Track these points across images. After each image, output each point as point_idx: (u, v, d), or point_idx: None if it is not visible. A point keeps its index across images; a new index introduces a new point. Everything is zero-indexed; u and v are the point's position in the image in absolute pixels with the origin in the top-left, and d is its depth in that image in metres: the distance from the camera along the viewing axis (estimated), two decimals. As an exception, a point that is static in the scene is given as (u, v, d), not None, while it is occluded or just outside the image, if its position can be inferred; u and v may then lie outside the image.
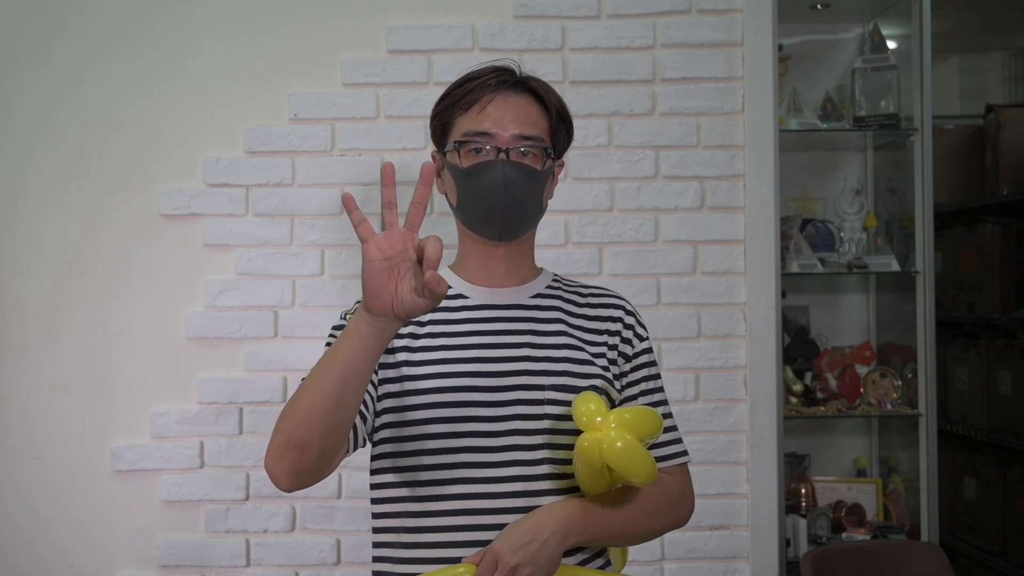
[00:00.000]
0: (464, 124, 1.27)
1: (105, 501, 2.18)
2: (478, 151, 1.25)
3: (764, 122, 2.24)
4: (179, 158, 2.21)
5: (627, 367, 1.32)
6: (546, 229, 2.21)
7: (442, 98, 1.31)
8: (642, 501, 1.23)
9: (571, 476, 1.21)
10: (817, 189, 2.73)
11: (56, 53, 2.21)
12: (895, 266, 2.55)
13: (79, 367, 2.19)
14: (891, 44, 2.64)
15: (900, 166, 2.63)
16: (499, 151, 1.24)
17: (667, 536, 2.21)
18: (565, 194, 2.20)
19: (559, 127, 1.32)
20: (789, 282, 2.57)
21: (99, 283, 2.20)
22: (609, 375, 1.29)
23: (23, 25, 2.22)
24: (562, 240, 2.23)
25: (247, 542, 2.19)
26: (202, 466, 2.19)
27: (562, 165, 1.37)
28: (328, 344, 1.28)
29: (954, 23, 3.68)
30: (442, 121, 1.31)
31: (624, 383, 1.31)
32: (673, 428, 1.33)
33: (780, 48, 2.40)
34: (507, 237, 1.29)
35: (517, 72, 1.30)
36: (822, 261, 2.57)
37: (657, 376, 1.35)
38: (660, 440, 1.27)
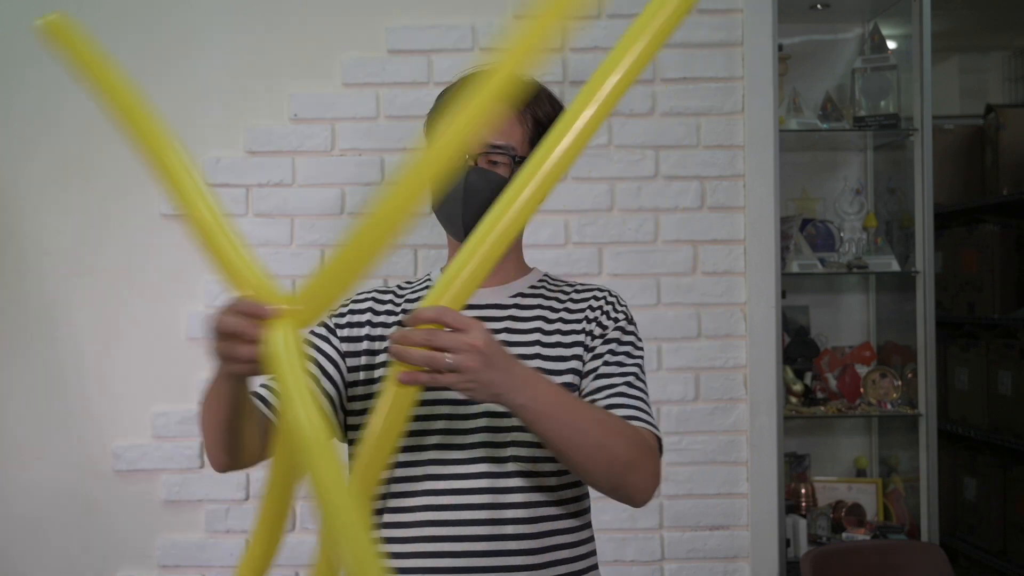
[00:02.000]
0: None
1: (105, 501, 2.18)
2: None
3: (764, 122, 2.24)
4: (179, 158, 2.21)
5: (597, 342, 1.27)
6: (546, 229, 2.21)
7: (438, 98, 1.32)
8: (606, 415, 1.17)
9: (540, 474, 1.21)
10: (817, 189, 2.73)
11: (56, 53, 2.21)
12: (895, 266, 2.55)
13: (79, 367, 2.19)
14: (891, 44, 2.64)
15: (900, 166, 2.63)
16: (466, 158, 1.25)
17: (667, 536, 2.21)
18: (565, 194, 2.20)
19: (539, 132, 1.30)
20: (789, 282, 2.56)
21: (99, 283, 2.20)
22: (582, 367, 1.26)
23: (23, 25, 2.22)
24: (562, 240, 2.23)
25: (247, 542, 2.19)
26: (202, 466, 2.19)
27: None
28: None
29: (954, 23, 3.68)
30: (431, 124, 1.32)
31: (590, 356, 1.26)
32: (639, 399, 1.24)
33: (780, 48, 2.40)
34: None
35: None
36: (822, 261, 2.57)
37: (629, 351, 1.27)
38: (623, 402, 1.21)
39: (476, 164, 1.26)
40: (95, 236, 2.20)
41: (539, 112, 1.31)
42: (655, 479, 1.20)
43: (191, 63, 2.22)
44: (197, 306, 2.21)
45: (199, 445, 2.19)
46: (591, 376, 1.25)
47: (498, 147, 1.26)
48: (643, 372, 1.29)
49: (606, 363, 1.26)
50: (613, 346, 1.27)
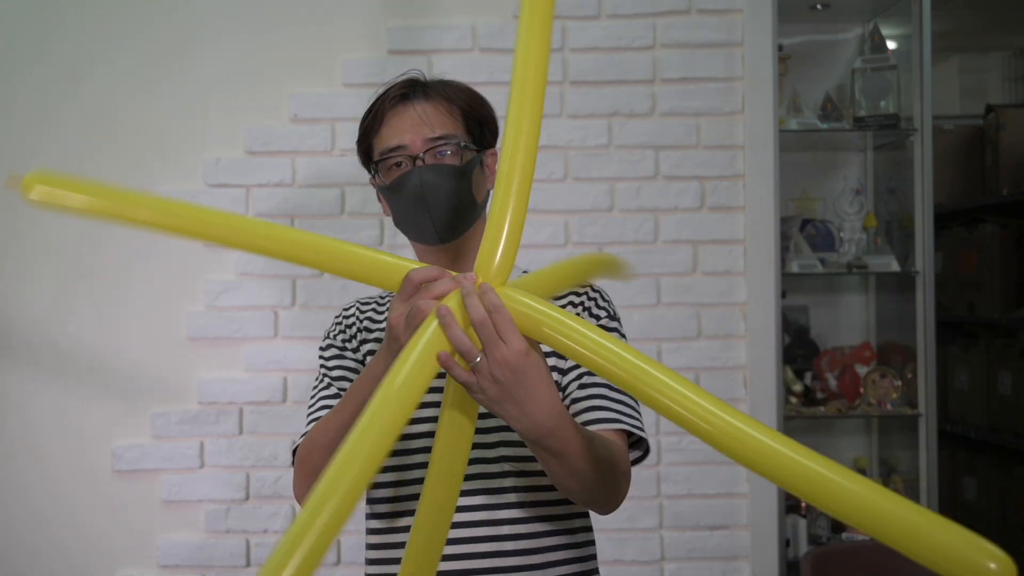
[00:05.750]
0: (378, 144, 1.28)
1: (105, 501, 2.18)
2: (397, 164, 1.25)
3: (764, 122, 2.24)
4: (179, 158, 2.21)
5: None
6: (546, 229, 2.21)
7: (360, 124, 1.31)
8: (586, 436, 1.13)
9: (532, 474, 1.20)
10: (817, 189, 2.73)
11: (56, 53, 2.21)
12: (895, 266, 2.55)
13: (79, 367, 2.19)
14: (891, 44, 2.64)
15: (900, 166, 2.63)
16: (414, 159, 1.24)
17: (667, 536, 2.21)
18: (565, 194, 2.20)
19: (471, 122, 1.29)
20: (789, 282, 2.56)
21: (99, 283, 2.20)
22: (563, 363, 1.25)
23: (23, 25, 2.22)
24: (562, 240, 2.23)
25: (247, 542, 2.19)
26: (202, 466, 2.19)
27: (495, 154, 1.33)
28: (323, 367, 1.31)
29: (954, 23, 3.68)
30: (363, 148, 1.31)
31: None
32: (621, 401, 1.23)
33: (780, 48, 2.40)
34: (448, 238, 1.26)
35: (421, 80, 1.31)
36: (822, 261, 2.57)
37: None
38: (605, 405, 1.20)
39: (425, 162, 1.24)
40: (95, 236, 2.20)
41: (464, 98, 1.29)
42: (619, 495, 1.19)
43: (191, 63, 2.22)
44: (197, 306, 2.21)
45: (199, 445, 2.19)
46: (574, 374, 1.24)
47: (441, 138, 1.25)
48: None
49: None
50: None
